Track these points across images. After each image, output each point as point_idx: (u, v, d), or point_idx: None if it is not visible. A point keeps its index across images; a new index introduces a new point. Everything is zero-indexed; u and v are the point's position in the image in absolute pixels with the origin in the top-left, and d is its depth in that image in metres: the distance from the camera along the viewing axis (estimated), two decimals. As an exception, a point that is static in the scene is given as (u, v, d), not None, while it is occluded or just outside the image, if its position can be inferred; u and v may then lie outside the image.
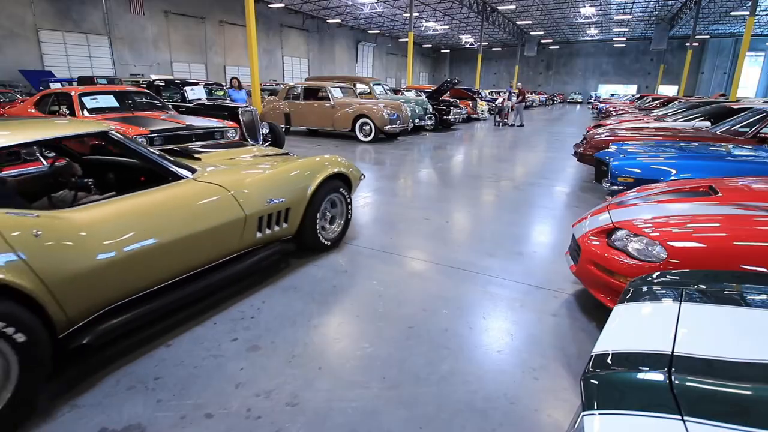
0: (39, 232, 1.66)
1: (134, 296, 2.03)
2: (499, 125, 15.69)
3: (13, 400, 1.54)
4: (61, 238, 1.73)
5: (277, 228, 2.85)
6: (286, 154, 3.66)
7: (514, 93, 16.43)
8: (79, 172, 2.58)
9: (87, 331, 1.82)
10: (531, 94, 34.84)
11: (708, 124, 6.77)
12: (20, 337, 1.52)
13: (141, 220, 2.03)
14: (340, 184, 3.35)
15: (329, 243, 3.36)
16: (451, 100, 14.99)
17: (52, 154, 2.78)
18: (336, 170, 3.27)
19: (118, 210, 1.99)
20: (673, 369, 0.96)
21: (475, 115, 17.05)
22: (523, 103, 15.78)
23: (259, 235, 2.71)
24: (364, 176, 4.01)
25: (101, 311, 1.90)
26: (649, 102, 15.48)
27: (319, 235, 3.25)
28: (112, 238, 1.89)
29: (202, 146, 3.67)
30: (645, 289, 1.44)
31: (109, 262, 1.85)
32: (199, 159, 2.99)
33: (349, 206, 3.52)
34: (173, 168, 2.41)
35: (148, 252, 2.01)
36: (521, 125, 15.51)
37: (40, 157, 3.19)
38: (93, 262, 1.79)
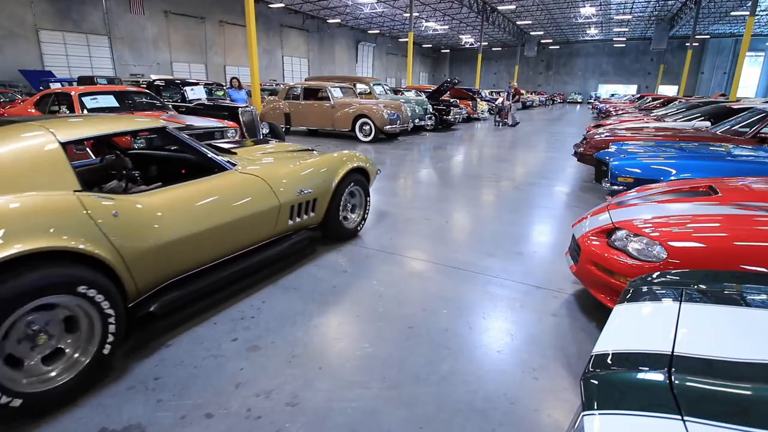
0: (117, 213, 1.92)
1: (191, 272, 2.33)
2: (499, 125, 15.69)
3: (97, 355, 1.83)
4: (134, 219, 2.00)
5: (305, 216, 3.15)
6: (309, 150, 3.88)
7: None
8: (129, 164, 2.76)
9: (152, 301, 2.09)
10: (531, 93, 34.85)
11: (708, 124, 6.78)
12: (103, 301, 1.80)
13: (198, 205, 2.32)
14: (360, 177, 3.64)
15: (350, 231, 3.66)
16: (451, 100, 14.99)
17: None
18: (356, 165, 3.55)
19: (178, 196, 2.27)
20: (673, 369, 0.96)
21: (475, 115, 17.04)
22: (519, 103, 15.77)
23: (290, 222, 3.01)
24: (380, 171, 4.33)
25: (163, 284, 2.19)
26: (649, 102, 15.48)
27: (342, 223, 3.54)
28: (174, 219, 2.17)
29: (233, 143, 4.00)
30: (645, 289, 1.44)
31: (173, 241, 2.13)
32: (235, 153, 3.20)
33: (368, 198, 3.81)
34: (220, 161, 2.69)
35: (203, 233, 2.29)
36: (514, 124, 15.55)
37: (89, 151, 3.47)
38: (160, 240, 2.06)
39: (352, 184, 3.54)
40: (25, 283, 1.56)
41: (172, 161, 3.19)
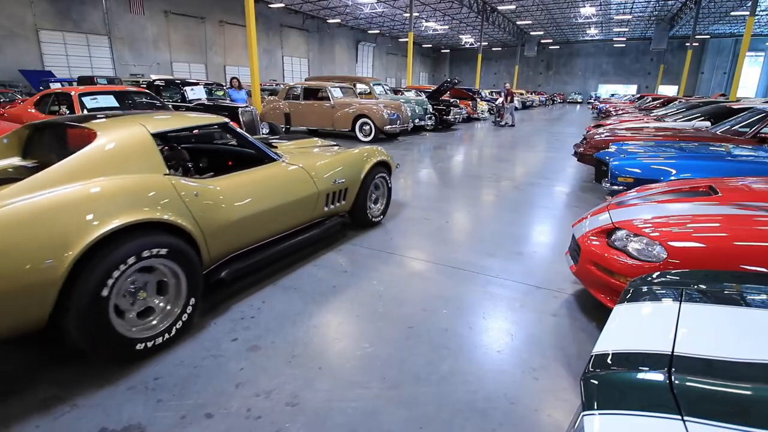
0: (197, 193, 2.30)
1: (249, 247, 2.72)
2: (497, 125, 15.71)
3: (182, 311, 2.21)
4: (210, 199, 2.38)
5: (338, 204, 3.53)
6: (335, 145, 4.24)
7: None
8: (186, 156, 3.00)
9: (221, 269, 2.48)
10: (531, 93, 34.83)
11: (708, 124, 6.78)
12: (188, 266, 2.17)
13: (257, 190, 2.71)
14: (383, 170, 4.02)
15: (375, 219, 4.04)
16: (451, 100, 14.99)
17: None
18: (380, 159, 3.93)
19: (242, 181, 2.66)
20: (673, 369, 0.96)
21: (475, 115, 17.05)
22: (513, 104, 15.74)
23: (326, 208, 3.39)
24: (399, 165, 4.53)
25: (228, 256, 2.57)
26: (649, 102, 15.48)
27: (368, 211, 3.93)
28: (239, 201, 2.55)
29: (271, 139, 4.40)
30: (645, 289, 1.44)
31: (238, 218, 2.51)
32: (276, 147, 3.56)
33: (390, 188, 4.20)
34: (271, 153, 3.08)
35: (261, 213, 2.69)
36: (505, 124, 15.60)
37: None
38: (228, 217, 2.45)
39: (377, 176, 3.93)
40: (130, 247, 1.92)
41: (219, 153, 3.64)
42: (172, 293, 2.18)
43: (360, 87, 12.21)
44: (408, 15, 26.03)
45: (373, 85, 12.30)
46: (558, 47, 51.21)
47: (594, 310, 2.61)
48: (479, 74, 32.87)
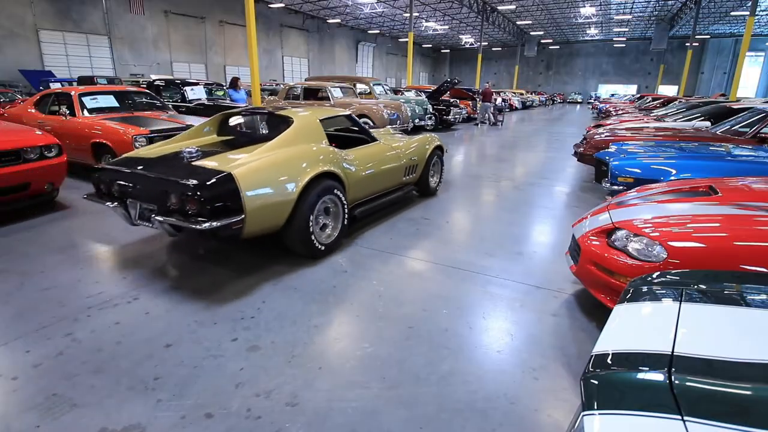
0: (344, 157, 3.54)
1: (364, 198, 3.95)
2: (499, 125, 15.71)
3: (339, 234, 3.43)
4: (349, 162, 3.60)
5: (411, 176, 4.71)
6: (402, 132, 5.60)
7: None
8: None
9: (354, 210, 3.72)
10: (530, 94, 34.81)
11: (708, 124, 6.78)
12: (341, 200, 3.39)
13: (371, 159, 3.94)
14: (439, 152, 5.23)
15: (433, 189, 5.29)
16: (451, 100, 14.99)
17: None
18: (437, 143, 5.14)
19: (362, 153, 3.88)
20: (673, 369, 0.96)
21: (476, 115, 17.05)
22: (488, 104, 15.62)
23: (404, 178, 4.55)
24: (447, 150, 5.91)
25: (354, 203, 3.80)
26: (649, 102, 15.47)
27: (429, 182, 5.12)
28: (362, 165, 3.78)
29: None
30: (645, 289, 1.43)
31: (362, 176, 3.76)
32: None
33: (443, 166, 5.55)
34: (373, 135, 4.39)
35: (373, 174, 3.92)
36: (482, 122, 15.66)
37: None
38: (358, 174, 3.69)
39: (435, 155, 5.11)
40: (322, 187, 3.18)
41: (331, 137, 4.79)
42: (333, 217, 3.42)
43: (360, 87, 12.20)
44: (408, 15, 26.03)
45: (373, 85, 12.30)
46: (558, 47, 51.21)
47: (594, 310, 2.61)
48: (479, 74, 32.87)
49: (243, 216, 2.70)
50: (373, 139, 4.30)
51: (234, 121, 4.24)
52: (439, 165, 5.38)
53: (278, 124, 3.89)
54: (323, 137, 3.57)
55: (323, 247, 3.27)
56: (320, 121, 3.65)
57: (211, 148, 3.54)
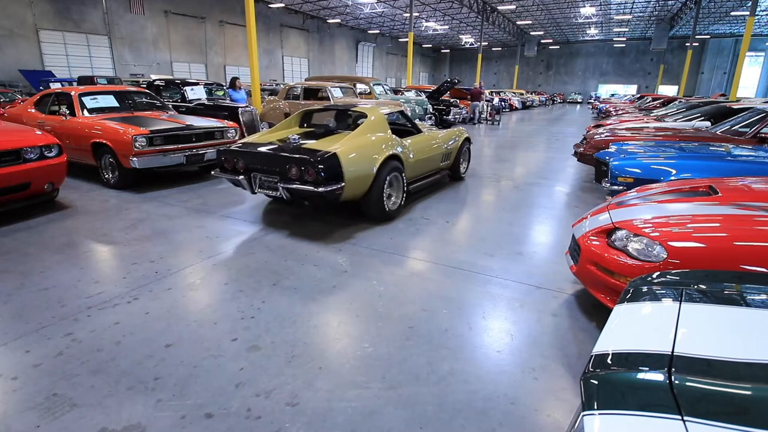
0: (401, 144, 4.43)
1: (415, 178, 4.88)
2: (497, 124, 15.72)
3: (399, 204, 4.41)
4: (405, 148, 4.48)
5: (446, 162, 5.70)
6: (439, 127, 7.26)
7: (484, 91, 16.79)
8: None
9: (408, 186, 4.62)
10: (531, 94, 34.80)
11: (708, 124, 6.77)
12: (403, 177, 4.36)
13: (419, 146, 4.82)
14: (468, 143, 6.32)
15: (463, 174, 6.38)
16: (451, 100, 14.99)
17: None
18: (467, 135, 6.18)
19: (413, 141, 4.77)
20: (673, 369, 0.96)
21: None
22: (477, 103, 15.67)
23: (441, 163, 5.52)
24: (472, 142, 6.83)
25: (408, 181, 4.62)
26: (649, 102, 15.48)
27: (459, 168, 6.18)
28: (414, 150, 4.67)
29: None
30: (645, 289, 1.43)
31: (414, 160, 4.65)
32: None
33: (470, 155, 6.63)
34: (419, 127, 5.39)
35: (421, 159, 4.82)
36: (478, 123, 15.82)
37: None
38: (410, 158, 4.56)
39: (465, 147, 6.19)
40: (390, 167, 4.11)
41: (394, 126, 5.81)
42: (396, 189, 4.42)
43: (360, 87, 12.20)
44: (408, 15, 26.02)
45: (373, 85, 12.29)
46: (558, 47, 51.21)
47: (594, 310, 2.61)
48: (479, 74, 32.87)
49: (343, 184, 3.69)
50: (419, 131, 5.31)
51: (315, 116, 5.70)
52: (467, 154, 6.39)
53: (356, 118, 5.32)
54: (388, 128, 4.48)
55: (390, 212, 4.28)
56: (384, 115, 4.55)
57: (303, 138, 4.61)
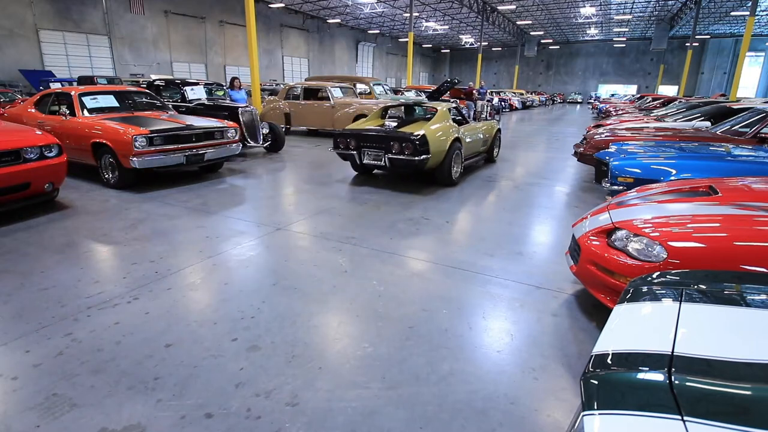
0: (459, 129, 6.06)
1: (467, 157, 6.51)
2: (498, 124, 15.76)
3: (459, 174, 6.15)
4: (461, 133, 6.07)
5: (484, 147, 7.33)
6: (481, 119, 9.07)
7: (487, 91, 16.91)
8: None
9: (464, 162, 6.36)
10: (531, 94, 34.78)
11: (708, 124, 6.77)
12: (462, 154, 6.14)
13: (470, 132, 6.52)
14: (499, 133, 8.01)
15: (495, 158, 8.07)
16: (451, 100, 14.97)
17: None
18: (498, 127, 7.91)
19: (467, 127, 6.45)
20: (673, 369, 0.96)
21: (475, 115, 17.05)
22: (471, 103, 15.73)
23: (481, 147, 7.13)
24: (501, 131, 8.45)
25: (464, 159, 6.31)
26: (649, 102, 15.47)
27: (493, 153, 7.90)
28: (468, 135, 6.38)
29: None
30: (645, 289, 1.43)
31: (467, 142, 6.31)
32: None
33: (500, 141, 8.28)
34: (468, 119, 6.96)
35: (471, 141, 6.53)
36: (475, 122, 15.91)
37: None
38: (467, 140, 6.30)
39: (497, 136, 7.93)
40: (455, 146, 5.81)
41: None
42: (457, 163, 5.91)
43: (360, 87, 12.20)
44: (408, 15, 26.02)
45: (373, 85, 12.30)
46: (558, 47, 51.21)
47: (594, 310, 2.61)
48: (479, 74, 32.87)
49: (429, 155, 5.27)
50: (467, 121, 6.87)
51: (394, 109, 7.34)
52: (498, 142, 8.04)
53: (424, 111, 7.10)
54: (450, 118, 6.15)
55: (454, 179, 5.93)
56: (447, 109, 6.20)
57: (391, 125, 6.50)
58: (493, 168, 7.30)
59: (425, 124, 5.73)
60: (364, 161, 5.61)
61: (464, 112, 6.97)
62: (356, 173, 6.58)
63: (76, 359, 2.08)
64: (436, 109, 6.21)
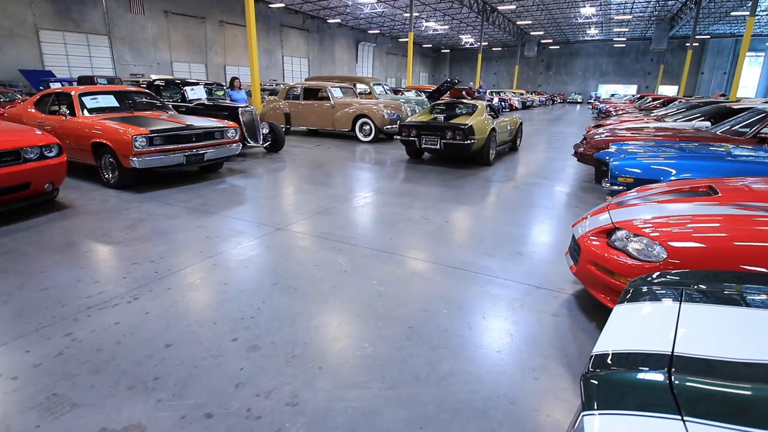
0: (492, 123, 7.68)
1: (499, 145, 8.27)
2: None
3: (494, 156, 8.07)
4: (494, 125, 7.66)
5: (510, 137, 9.03)
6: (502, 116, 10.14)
7: (486, 91, 17.12)
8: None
9: (498, 149, 8.26)
10: (531, 94, 34.79)
11: (708, 124, 6.77)
12: (497, 141, 8.06)
13: (501, 124, 8.20)
14: (521, 126, 9.72)
15: (518, 147, 9.74)
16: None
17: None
18: (521, 121, 9.73)
19: (498, 120, 8.11)
20: (673, 369, 0.96)
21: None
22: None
23: (508, 138, 8.84)
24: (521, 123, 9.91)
25: (497, 146, 8.16)
26: (649, 102, 15.48)
27: (516, 143, 9.57)
28: (499, 126, 7.98)
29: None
30: (645, 289, 1.43)
31: (499, 132, 7.98)
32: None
33: (522, 134, 10.23)
34: (498, 112, 8.85)
35: (501, 131, 8.12)
36: None
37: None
38: (498, 131, 7.94)
39: (520, 128, 9.58)
40: (492, 134, 7.64)
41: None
42: (492, 148, 7.68)
43: (360, 87, 12.20)
44: (408, 15, 26.01)
45: (373, 85, 12.30)
46: (558, 47, 51.21)
47: (594, 310, 2.61)
48: (479, 74, 32.88)
49: (475, 140, 6.85)
50: (498, 116, 8.39)
51: (440, 106, 8.60)
52: (521, 133, 9.77)
53: (470, 108, 8.14)
54: (486, 112, 7.68)
55: (491, 161, 7.56)
56: (484, 106, 7.83)
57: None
58: (493, 168, 7.49)
59: (470, 117, 7.36)
60: (423, 146, 7.25)
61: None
62: (409, 158, 8.17)
63: (76, 359, 2.08)
64: (476, 106, 7.87)
